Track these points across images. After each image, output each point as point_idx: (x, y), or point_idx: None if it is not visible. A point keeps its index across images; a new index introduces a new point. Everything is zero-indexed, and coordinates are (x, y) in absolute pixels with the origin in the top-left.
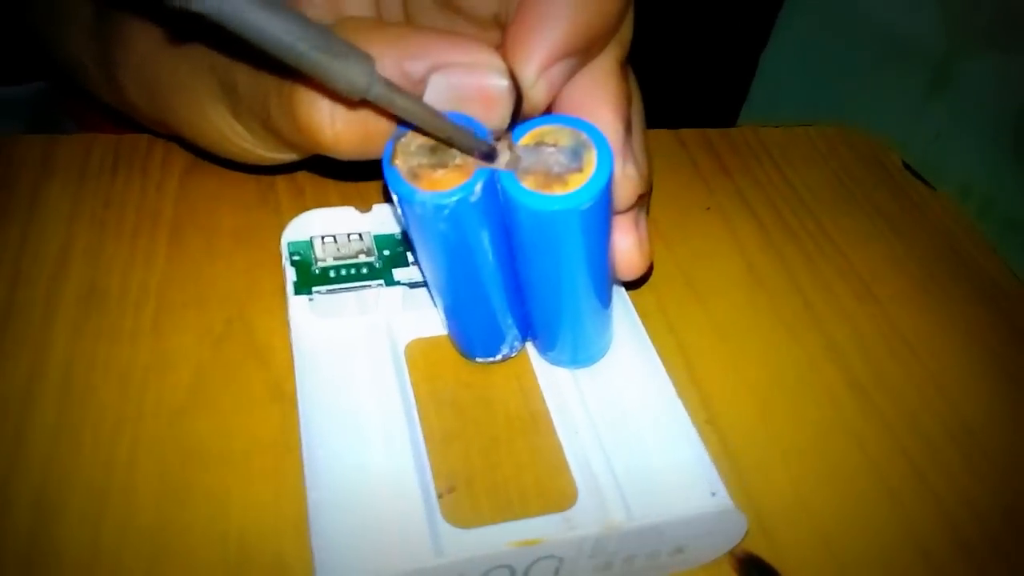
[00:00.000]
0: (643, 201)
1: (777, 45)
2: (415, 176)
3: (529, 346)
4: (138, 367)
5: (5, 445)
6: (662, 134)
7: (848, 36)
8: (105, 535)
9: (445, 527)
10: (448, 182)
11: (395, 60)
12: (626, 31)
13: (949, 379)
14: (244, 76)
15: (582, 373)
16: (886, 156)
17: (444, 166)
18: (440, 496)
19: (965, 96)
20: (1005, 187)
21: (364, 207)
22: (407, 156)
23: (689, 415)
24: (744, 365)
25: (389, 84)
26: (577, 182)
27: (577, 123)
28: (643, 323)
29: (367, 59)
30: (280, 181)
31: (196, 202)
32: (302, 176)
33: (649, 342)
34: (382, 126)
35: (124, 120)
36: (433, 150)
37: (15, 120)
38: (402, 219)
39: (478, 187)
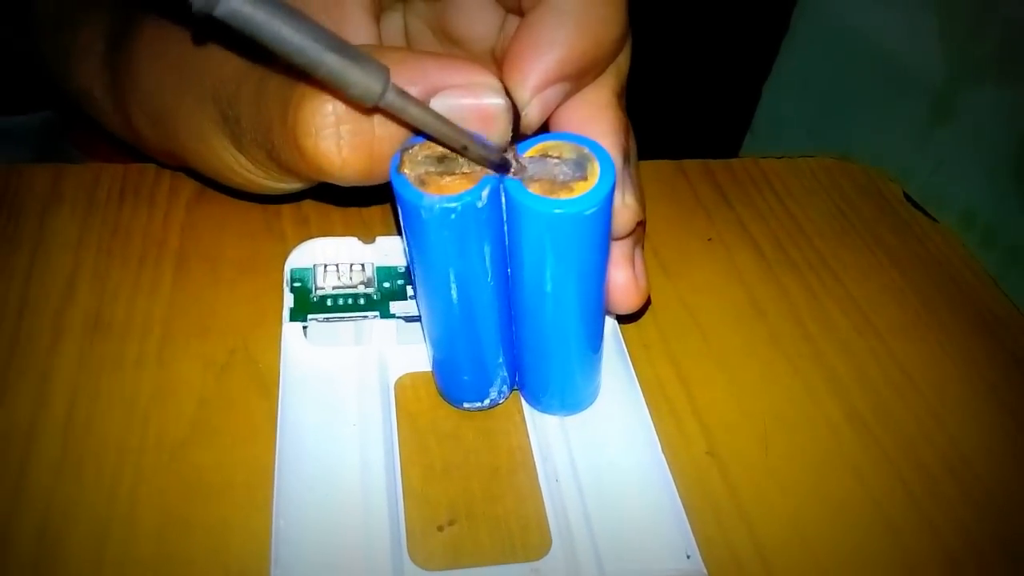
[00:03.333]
0: (639, 233)
1: (780, 75)
2: (422, 183)
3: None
4: (142, 398)
5: (9, 476)
6: (664, 165)
7: (851, 67)
8: (107, 567)
9: (410, 567)
10: (455, 188)
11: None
12: (623, 63)
13: (948, 411)
14: (247, 108)
15: (569, 421)
16: (887, 188)
17: (451, 174)
18: (440, 529)
19: (967, 126)
20: (1007, 216)
21: (368, 238)
22: (414, 165)
23: (688, 448)
24: (745, 396)
25: (402, 92)
26: (583, 189)
27: (578, 139)
28: (644, 354)
29: (382, 67)
30: (285, 210)
31: (202, 231)
32: (307, 205)
33: (640, 394)
34: (386, 149)
35: (129, 149)
36: (440, 160)
37: (22, 149)
38: (405, 232)
39: (485, 193)
